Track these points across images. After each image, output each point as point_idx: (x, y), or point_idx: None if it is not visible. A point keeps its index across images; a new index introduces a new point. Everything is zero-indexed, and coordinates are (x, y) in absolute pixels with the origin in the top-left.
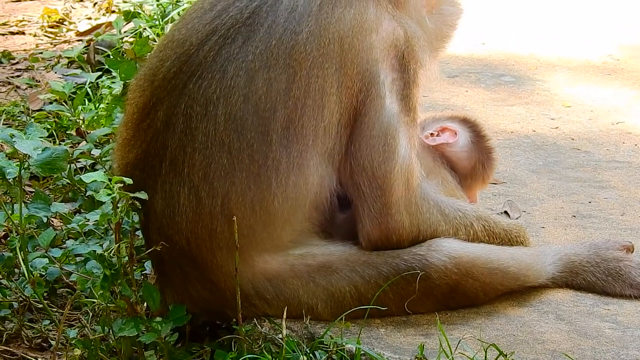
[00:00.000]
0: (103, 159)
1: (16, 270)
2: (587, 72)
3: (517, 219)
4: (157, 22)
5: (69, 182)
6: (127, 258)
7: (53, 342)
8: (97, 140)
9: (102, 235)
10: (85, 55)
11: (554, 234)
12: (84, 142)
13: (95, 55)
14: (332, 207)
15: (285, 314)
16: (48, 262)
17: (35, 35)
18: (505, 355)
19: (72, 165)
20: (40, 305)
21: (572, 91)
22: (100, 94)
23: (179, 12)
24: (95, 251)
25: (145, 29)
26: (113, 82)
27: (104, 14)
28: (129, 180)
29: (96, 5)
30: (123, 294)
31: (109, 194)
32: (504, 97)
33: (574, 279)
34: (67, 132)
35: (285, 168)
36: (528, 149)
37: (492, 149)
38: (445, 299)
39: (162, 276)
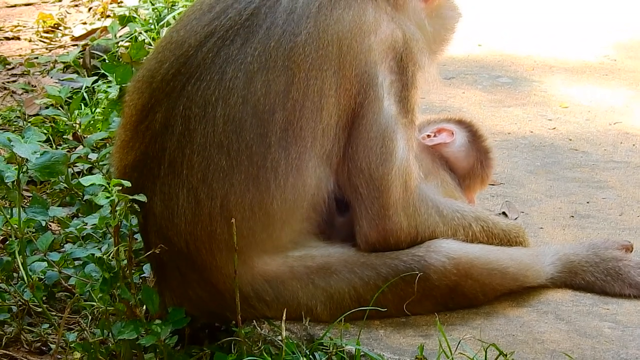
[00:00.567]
0: (100, 162)
1: (15, 274)
2: (584, 73)
3: (515, 219)
4: (152, 26)
5: (66, 186)
6: (125, 261)
7: (52, 346)
8: (94, 145)
9: (101, 238)
10: (81, 60)
11: (552, 235)
12: (80, 147)
13: (91, 59)
14: (331, 211)
15: (284, 315)
16: (47, 265)
17: (30, 41)
18: (505, 355)
19: (70, 169)
20: (40, 309)
21: (569, 92)
22: (97, 99)
23: (174, 15)
24: (94, 254)
25: (140, 33)
26: (109, 87)
27: (99, 19)
28: (127, 183)
29: (91, 10)
30: (122, 297)
31: (107, 197)
32: (501, 99)
33: (573, 279)
34: (64, 136)
35: (283, 170)
36: (525, 149)
37: (490, 149)
38: (444, 300)
39: (161, 279)
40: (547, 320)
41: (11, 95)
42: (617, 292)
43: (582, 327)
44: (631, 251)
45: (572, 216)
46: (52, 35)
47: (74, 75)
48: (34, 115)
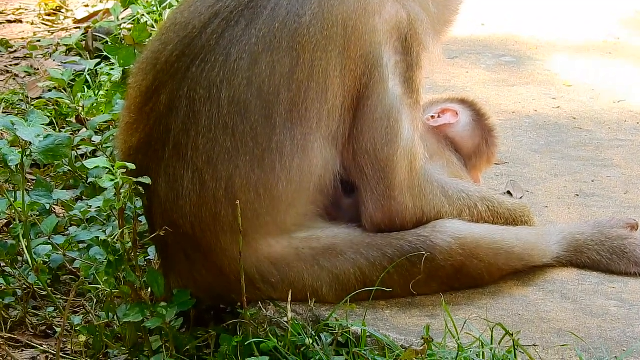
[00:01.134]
0: (104, 145)
1: (19, 258)
2: (588, 51)
3: (520, 198)
4: (155, 8)
5: (70, 169)
6: (130, 244)
7: (58, 329)
8: (98, 127)
9: (105, 221)
10: (84, 43)
11: (557, 214)
12: (84, 129)
13: (94, 42)
14: (338, 193)
15: (290, 297)
16: (51, 249)
17: (32, 24)
18: (512, 335)
19: (73, 152)
20: (45, 293)
21: (573, 70)
22: (100, 81)
23: None
24: (98, 237)
25: (143, 15)
26: (112, 69)
27: (101, 1)
28: (131, 166)
29: None
30: (127, 279)
31: (111, 180)
32: (505, 78)
33: (579, 258)
34: (67, 119)
35: (289, 151)
36: (530, 128)
37: (494, 127)
38: (450, 280)
39: (166, 261)
40: (553, 300)
41: (14, 79)
42: (622, 271)
43: (588, 305)
44: (636, 229)
45: (577, 195)
46: (54, 18)
47: (77, 58)
48: (37, 99)
